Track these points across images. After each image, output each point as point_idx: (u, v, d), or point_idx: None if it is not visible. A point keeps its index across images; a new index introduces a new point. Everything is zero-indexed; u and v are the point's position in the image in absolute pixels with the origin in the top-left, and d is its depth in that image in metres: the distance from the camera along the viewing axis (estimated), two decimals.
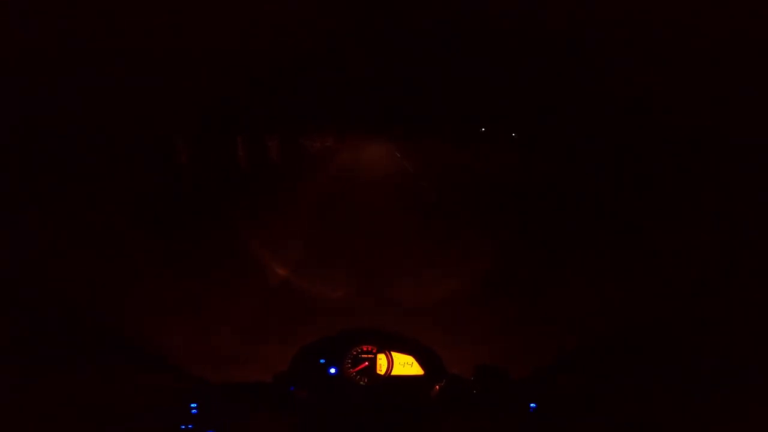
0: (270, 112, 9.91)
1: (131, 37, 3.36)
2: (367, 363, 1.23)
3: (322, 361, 1.21)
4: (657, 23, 3.41)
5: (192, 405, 1.05)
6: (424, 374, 1.23)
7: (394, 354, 1.24)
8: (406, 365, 1.24)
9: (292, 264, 4.41)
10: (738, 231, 3.88)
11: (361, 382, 1.21)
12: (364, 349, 1.24)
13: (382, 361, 1.24)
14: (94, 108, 3.94)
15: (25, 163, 3.38)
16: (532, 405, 1.09)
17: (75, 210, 3.87)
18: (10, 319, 2.27)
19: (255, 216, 6.38)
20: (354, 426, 1.13)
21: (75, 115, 3.85)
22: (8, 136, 3.10)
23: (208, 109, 6.84)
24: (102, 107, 4.01)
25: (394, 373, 1.23)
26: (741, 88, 3.65)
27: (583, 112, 6.96)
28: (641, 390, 1.81)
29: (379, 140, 25.37)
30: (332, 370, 1.20)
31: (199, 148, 6.98)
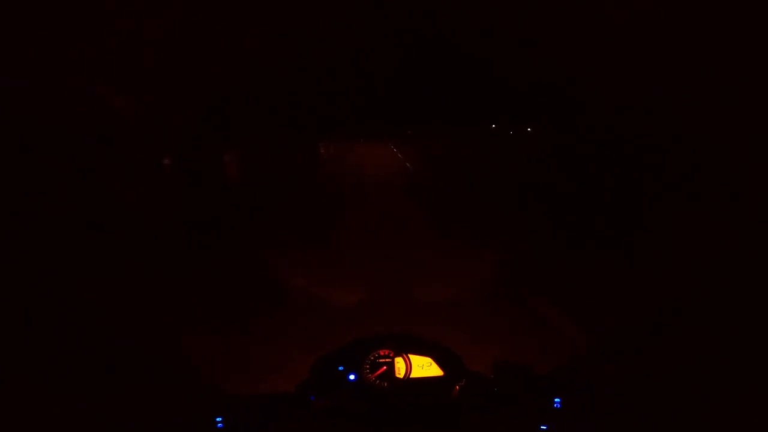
0: (285, 123, 10.04)
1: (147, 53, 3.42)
2: (385, 367, 1.22)
3: (340, 368, 1.21)
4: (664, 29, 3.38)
5: (218, 419, 1.05)
6: (443, 375, 1.22)
7: (411, 356, 1.23)
8: (424, 367, 1.23)
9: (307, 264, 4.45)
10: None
11: (381, 387, 1.20)
12: (381, 353, 1.23)
13: (400, 364, 1.23)
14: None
15: (38, 178, 3.45)
16: (556, 400, 1.07)
17: (98, 223, 3.95)
18: (36, 335, 2.32)
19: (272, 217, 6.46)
20: (376, 431, 1.13)
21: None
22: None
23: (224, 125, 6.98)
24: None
25: (413, 375, 1.22)
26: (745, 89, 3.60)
27: (607, 109, 6.90)
28: (670, 383, 1.78)
29: (385, 144, 25.44)
30: (351, 377, 1.20)
31: (214, 158, 7.07)
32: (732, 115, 4.00)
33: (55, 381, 1.78)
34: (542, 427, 1.07)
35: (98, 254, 3.64)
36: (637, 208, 5.77)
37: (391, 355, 1.23)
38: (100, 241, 3.84)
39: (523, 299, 3.65)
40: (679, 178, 5.23)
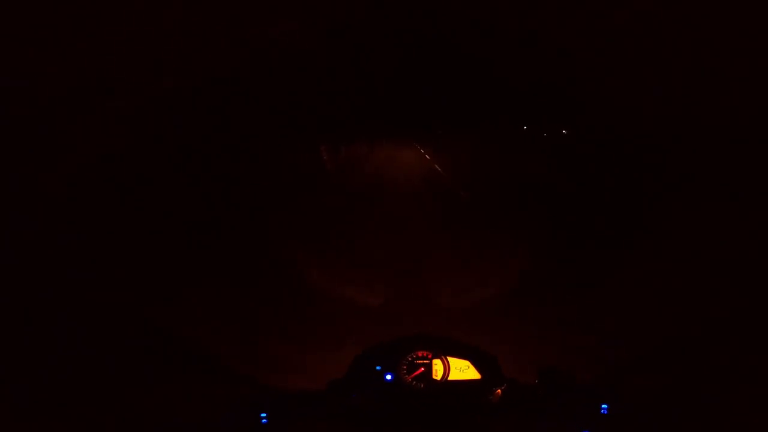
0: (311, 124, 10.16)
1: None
2: (423, 369, 1.22)
3: (378, 368, 1.21)
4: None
5: (262, 414, 1.07)
6: (481, 378, 1.21)
7: (450, 359, 1.23)
8: (462, 370, 1.23)
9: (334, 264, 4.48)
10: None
11: (418, 388, 1.20)
12: (420, 354, 1.24)
13: (438, 366, 1.23)
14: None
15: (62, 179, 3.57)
16: (603, 406, 1.04)
17: (129, 222, 4.08)
18: (71, 333, 2.41)
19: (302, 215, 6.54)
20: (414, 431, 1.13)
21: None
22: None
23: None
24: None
25: (450, 378, 1.22)
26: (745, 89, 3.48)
27: (620, 112, 6.75)
28: (714, 388, 1.71)
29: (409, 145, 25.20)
30: (388, 377, 1.20)
31: (245, 157, 7.21)
32: (732, 116, 3.89)
33: (96, 380, 1.84)
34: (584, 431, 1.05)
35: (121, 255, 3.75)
36: (664, 210, 5.58)
37: (429, 356, 1.23)
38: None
39: (552, 306, 3.58)
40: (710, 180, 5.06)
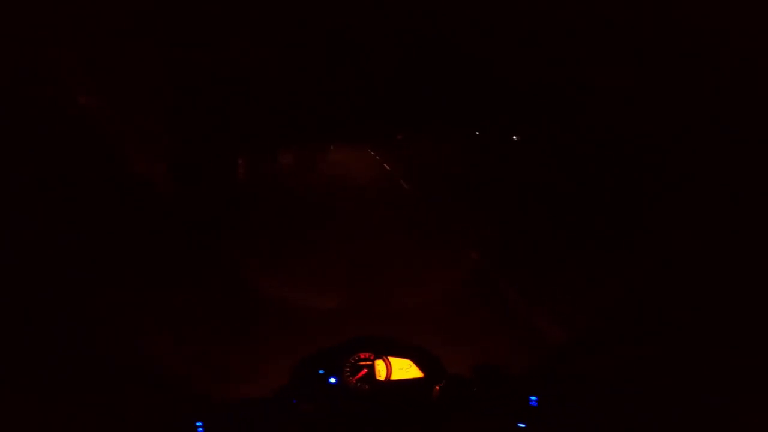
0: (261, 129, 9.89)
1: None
2: (366, 370, 1.23)
3: (321, 372, 1.21)
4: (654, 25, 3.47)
5: (198, 424, 1.04)
6: (423, 376, 1.24)
7: (392, 359, 1.25)
8: (405, 369, 1.25)
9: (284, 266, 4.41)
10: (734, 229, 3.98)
11: (362, 390, 1.21)
12: (362, 356, 1.25)
13: (380, 366, 1.24)
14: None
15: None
16: (532, 398, 1.10)
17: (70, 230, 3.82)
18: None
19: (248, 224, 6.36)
20: None
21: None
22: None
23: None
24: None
25: (393, 377, 1.24)
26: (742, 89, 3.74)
27: (578, 112, 7.07)
28: (640, 379, 1.85)
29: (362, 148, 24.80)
30: (332, 380, 1.21)
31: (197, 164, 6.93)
32: (732, 117, 4.14)
33: (33, 387, 1.73)
34: (520, 425, 1.10)
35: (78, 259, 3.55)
36: (618, 207, 5.94)
37: (372, 357, 1.24)
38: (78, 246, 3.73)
39: (498, 300, 3.72)
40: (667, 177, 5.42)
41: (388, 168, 16.62)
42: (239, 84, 6.93)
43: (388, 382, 1.23)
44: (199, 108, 6.23)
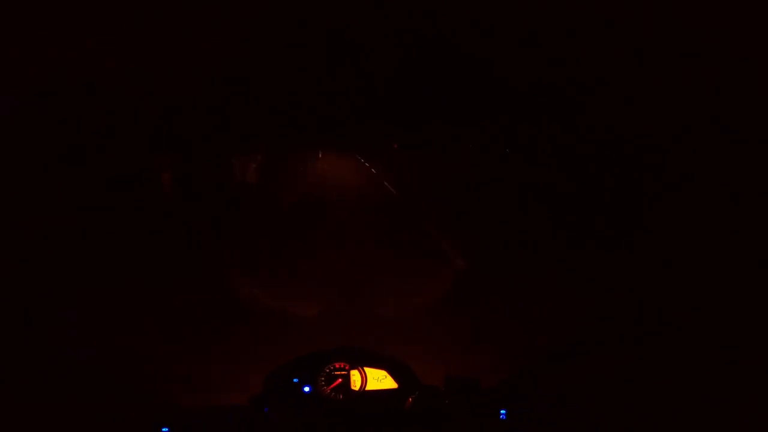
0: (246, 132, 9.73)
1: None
2: (341, 380, 1.24)
3: (295, 380, 1.21)
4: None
5: (164, 429, 1.03)
6: (397, 387, 1.25)
7: (367, 369, 1.26)
8: (379, 380, 1.26)
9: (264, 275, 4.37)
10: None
11: (337, 399, 1.22)
12: (337, 366, 1.25)
13: (355, 377, 1.25)
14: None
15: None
16: (502, 412, 1.12)
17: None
18: None
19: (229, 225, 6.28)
20: None
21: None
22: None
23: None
24: None
25: (368, 388, 1.25)
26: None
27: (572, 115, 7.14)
28: (609, 390, 1.88)
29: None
30: (306, 389, 1.21)
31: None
32: (732, 117, 4.22)
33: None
34: None
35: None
36: (616, 207, 6.02)
37: (347, 367, 1.25)
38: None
39: (473, 311, 3.76)
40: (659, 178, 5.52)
41: (374, 172, 16.64)
42: (224, 86, 6.85)
43: (363, 393, 1.24)
44: (195, 108, 6.16)
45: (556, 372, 1.86)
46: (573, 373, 1.98)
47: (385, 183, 14.46)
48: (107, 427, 1.12)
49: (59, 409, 1.58)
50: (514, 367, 1.73)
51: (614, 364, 2.25)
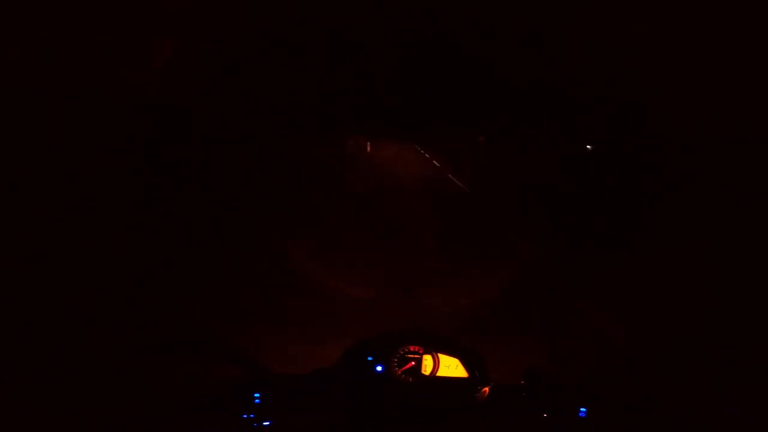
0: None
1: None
2: (413, 363, 1.25)
3: (369, 358, 1.24)
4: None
5: (255, 395, 1.10)
6: (468, 377, 1.23)
7: (440, 355, 1.25)
8: (451, 367, 1.25)
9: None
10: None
11: (407, 382, 1.23)
12: (411, 349, 1.26)
13: (427, 361, 1.25)
14: None
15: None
16: (582, 410, 1.08)
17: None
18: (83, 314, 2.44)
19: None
20: (399, 424, 1.15)
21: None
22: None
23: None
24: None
25: (439, 374, 1.24)
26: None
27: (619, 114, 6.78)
28: (692, 393, 1.75)
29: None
30: (379, 368, 1.23)
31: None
32: (732, 116, 3.96)
33: (96, 358, 1.87)
34: None
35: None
36: (660, 211, 5.63)
37: (421, 351, 1.25)
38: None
39: (556, 303, 3.63)
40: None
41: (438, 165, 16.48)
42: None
43: (434, 378, 1.23)
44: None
45: (636, 373, 1.76)
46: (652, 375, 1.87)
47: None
48: (201, 391, 1.21)
49: (155, 375, 1.72)
50: (591, 366, 1.66)
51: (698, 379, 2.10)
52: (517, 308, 3.53)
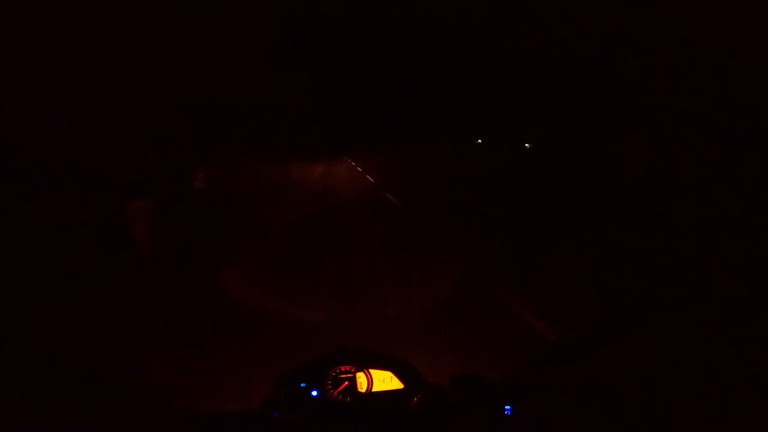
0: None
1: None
2: (347, 383, 1.26)
3: (303, 385, 1.23)
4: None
5: None
6: (403, 387, 1.27)
7: (372, 371, 1.27)
8: (385, 381, 1.28)
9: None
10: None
11: (344, 402, 1.23)
12: (343, 369, 1.27)
13: (361, 379, 1.27)
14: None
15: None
16: (507, 407, 1.14)
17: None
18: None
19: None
20: None
21: None
22: None
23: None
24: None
25: (374, 389, 1.26)
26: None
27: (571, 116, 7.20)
28: (613, 385, 1.90)
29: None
30: (314, 393, 1.22)
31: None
32: (732, 116, 4.25)
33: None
34: None
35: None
36: (598, 210, 6.06)
37: (353, 370, 1.27)
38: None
39: (483, 307, 3.78)
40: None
41: (372, 180, 16.68)
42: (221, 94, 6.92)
43: (369, 394, 1.25)
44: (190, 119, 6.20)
45: (560, 368, 1.88)
46: (578, 369, 2.00)
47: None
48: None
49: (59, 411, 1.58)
50: (518, 364, 1.75)
51: (619, 361, 2.28)
52: (456, 310, 3.65)
